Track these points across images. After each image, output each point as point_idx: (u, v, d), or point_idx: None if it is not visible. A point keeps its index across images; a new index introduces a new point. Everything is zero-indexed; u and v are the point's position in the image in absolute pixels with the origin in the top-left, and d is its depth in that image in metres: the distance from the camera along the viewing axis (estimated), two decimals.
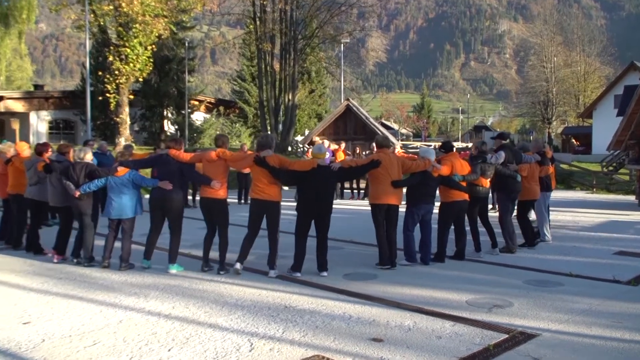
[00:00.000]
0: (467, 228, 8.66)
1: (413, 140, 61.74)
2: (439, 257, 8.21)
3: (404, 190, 7.95)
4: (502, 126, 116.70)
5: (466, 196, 8.31)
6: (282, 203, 7.41)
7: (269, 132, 36.61)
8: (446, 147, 8.68)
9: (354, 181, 17.99)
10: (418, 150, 11.26)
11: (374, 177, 7.74)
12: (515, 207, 9.48)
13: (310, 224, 7.34)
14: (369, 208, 7.84)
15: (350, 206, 16.20)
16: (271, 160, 7.16)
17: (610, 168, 31.80)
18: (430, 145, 41.53)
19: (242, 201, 16.19)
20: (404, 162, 7.96)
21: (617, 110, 35.87)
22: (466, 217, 8.65)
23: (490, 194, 11.95)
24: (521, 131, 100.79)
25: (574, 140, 51.20)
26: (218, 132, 45.29)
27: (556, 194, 19.85)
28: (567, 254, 9.05)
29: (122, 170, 7.61)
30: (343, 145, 17.42)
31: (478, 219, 8.93)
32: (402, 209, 7.93)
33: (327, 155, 16.18)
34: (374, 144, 16.42)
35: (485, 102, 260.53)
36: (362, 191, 18.03)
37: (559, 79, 60.75)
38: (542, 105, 60.78)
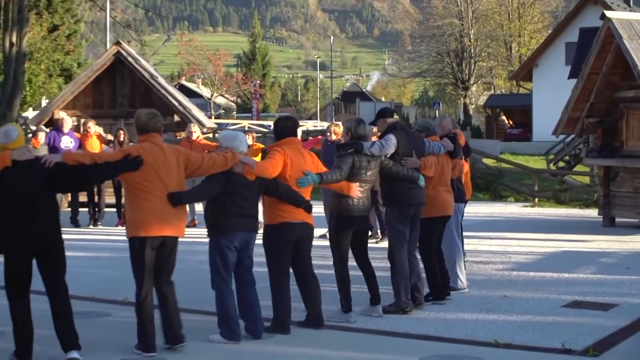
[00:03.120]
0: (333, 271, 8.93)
1: (237, 118, 62.39)
2: (280, 326, 8.37)
3: (188, 208, 7.94)
4: (389, 93, 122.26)
5: (310, 218, 8.50)
6: None
7: None
8: (280, 129, 8.64)
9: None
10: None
11: (132, 187, 7.55)
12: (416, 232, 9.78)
13: (29, 272, 7.22)
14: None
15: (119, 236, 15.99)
16: None
17: (561, 164, 34.49)
18: (270, 127, 42.22)
19: None
20: (189, 158, 7.84)
21: (569, 68, 38.60)
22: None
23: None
24: (421, 102, 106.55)
25: (504, 118, 54.86)
26: None
27: (475, 209, 21.08)
28: (493, 309, 9.65)
29: None
30: (92, 127, 16.96)
31: (350, 254, 9.21)
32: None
33: (72, 144, 15.93)
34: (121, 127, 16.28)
35: (361, 50, 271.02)
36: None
37: (479, 14, 64.74)
38: (453, 57, 64.41)
